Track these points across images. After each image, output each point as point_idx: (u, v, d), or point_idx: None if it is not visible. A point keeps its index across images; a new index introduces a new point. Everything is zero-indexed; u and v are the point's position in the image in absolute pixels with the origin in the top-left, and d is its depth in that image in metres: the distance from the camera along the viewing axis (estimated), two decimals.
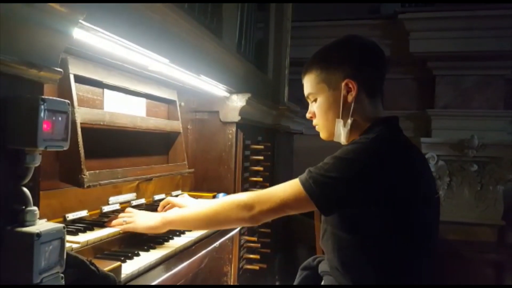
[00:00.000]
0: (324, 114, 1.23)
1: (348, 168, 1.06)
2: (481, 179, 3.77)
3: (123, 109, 1.62)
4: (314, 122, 1.28)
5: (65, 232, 0.83)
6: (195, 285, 1.79)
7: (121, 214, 1.36)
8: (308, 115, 1.30)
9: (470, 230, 3.72)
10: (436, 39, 3.69)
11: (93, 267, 0.88)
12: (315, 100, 1.25)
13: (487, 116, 3.80)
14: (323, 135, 1.28)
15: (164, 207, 1.50)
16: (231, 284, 2.15)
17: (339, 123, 1.20)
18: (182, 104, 2.12)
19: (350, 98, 1.18)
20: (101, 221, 1.34)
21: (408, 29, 3.75)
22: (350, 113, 1.18)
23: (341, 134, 1.20)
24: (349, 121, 1.18)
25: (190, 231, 1.51)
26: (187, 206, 1.52)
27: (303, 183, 1.09)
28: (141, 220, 1.30)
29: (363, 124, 1.19)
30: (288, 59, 3.27)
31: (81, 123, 1.29)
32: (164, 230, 1.31)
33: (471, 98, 3.90)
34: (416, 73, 4.12)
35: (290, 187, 1.13)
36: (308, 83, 1.26)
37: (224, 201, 1.22)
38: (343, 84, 1.18)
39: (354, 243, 1.11)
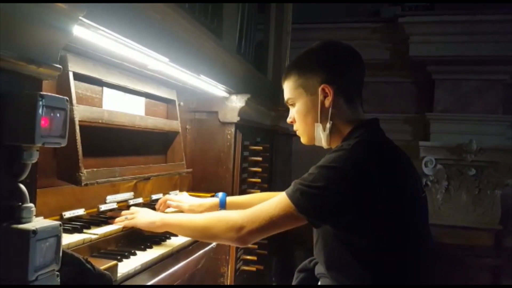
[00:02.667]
0: (303, 119, 1.24)
1: (333, 176, 1.06)
2: (479, 183, 3.77)
3: (122, 107, 1.61)
4: (295, 127, 1.30)
5: (62, 230, 0.83)
6: (194, 285, 1.78)
7: (123, 212, 1.40)
8: (288, 120, 1.31)
9: (467, 234, 3.72)
10: (436, 43, 3.69)
11: (89, 266, 0.88)
12: (294, 105, 1.26)
13: (485, 121, 3.80)
14: (303, 139, 1.29)
15: (161, 204, 1.55)
16: (228, 284, 2.14)
17: (318, 127, 1.21)
18: (181, 104, 2.11)
19: (327, 103, 1.19)
20: (99, 219, 1.34)
21: (408, 33, 3.75)
22: (329, 117, 1.19)
23: (322, 138, 1.21)
24: (328, 125, 1.19)
25: None
26: (184, 202, 1.57)
27: (291, 196, 1.09)
28: (142, 217, 1.34)
29: (343, 128, 1.20)
30: (288, 60, 3.27)
31: (79, 121, 1.29)
32: (161, 230, 1.34)
33: (470, 103, 3.90)
34: (415, 77, 4.12)
35: (279, 202, 1.12)
36: (287, 88, 1.27)
37: (218, 217, 1.22)
38: (319, 89, 1.19)
39: (346, 250, 1.11)
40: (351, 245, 1.10)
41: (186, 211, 1.56)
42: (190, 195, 1.73)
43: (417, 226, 1.14)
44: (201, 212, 1.55)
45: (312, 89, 1.20)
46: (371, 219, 1.07)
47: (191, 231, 1.28)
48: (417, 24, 3.72)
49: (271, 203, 1.13)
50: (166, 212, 1.56)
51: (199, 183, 2.16)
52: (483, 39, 3.60)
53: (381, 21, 4.00)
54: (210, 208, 1.57)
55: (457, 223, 3.72)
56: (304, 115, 1.23)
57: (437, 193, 3.81)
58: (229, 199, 1.61)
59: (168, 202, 1.61)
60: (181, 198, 1.63)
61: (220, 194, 1.62)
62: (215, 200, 1.60)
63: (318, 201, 1.06)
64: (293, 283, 1.30)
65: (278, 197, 1.13)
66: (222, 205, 1.58)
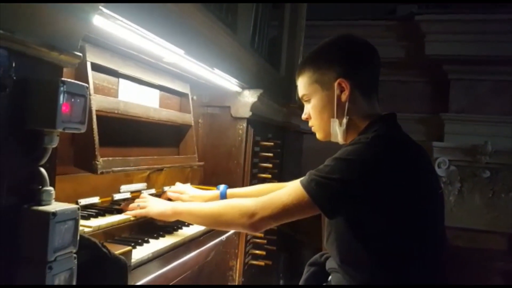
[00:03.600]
0: (319, 115, 1.23)
1: (349, 169, 1.05)
2: (493, 186, 3.72)
3: (137, 99, 1.64)
4: (310, 123, 1.28)
5: (79, 214, 0.85)
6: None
7: (137, 200, 1.42)
8: (303, 116, 1.30)
9: (479, 237, 3.67)
10: (453, 42, 3.64)
11: (105, 250, 0.90)
12: (310, 101, 1.25)
13: (501, 122, 3.74)
14: (319, 135, 1.28)
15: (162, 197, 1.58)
16: (237, 278, 2.16)
17: (335, 122, 1.20)
18: (194, 98, 2.13)
19: (343, 97, 1.17)
20: (113, 208, 1.36)
21: (424, 31, 3.71)
22: (345, 112, 1.18)
23: (338, 133, 1.20)
24: (345, 120, 1.18)
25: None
26: (185, 193, 1.60)
27: (305, 187, 1.09)
28: (153, 206, 1.36)
29: (360, 123, 1.19)
30: (301, 57, 3.27)
31: (96, 111, 1.31)
32: (173, 219, 1.36)
33: (486, 104, 3.84)
34: (430, 76, 4.08)
35: (293, 191, 1.11)
36: (302, 84, 1.26)
37: (230, 204, 1.23)
38: (335, 84, 1.18)
39: (359, 243, 1.10)
40: (364, 239, 1.09)
41: (186, 200, 1.58)
42: (194, 187, 1.75)
43: (432, 223, 1.13)
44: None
45: (327, 84, 1.19)
46: (385, 213, 1.06)
47: (202, 218, 1.29)
48: (433, 22, 3.68)
49: (284, 192, 1.13)
50: (169, 194, 1.59)
51: (210, 177, 2.17)
52: (501, 39, 3.54)
53: (396, 19, 3.97)
54: (211, 199, 1.58)
55: (470, 226, 3.67)
56: (320, 111, 1.22)
57: (449, 195, 3.77)
58: (230, 191, 1.62)
59: (168, 193, 1.64)
60: (182, 189, 1.64)
61: (222, 186, 1.63)
62: (215, 193, 1.61)
63: (333, 192, 1.06)
64: (303, 276, 1.30)
65: (292, 186, 1.13)
66: (223, 197, 1.59)
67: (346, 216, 1.10)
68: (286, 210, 1.11)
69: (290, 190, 1.12)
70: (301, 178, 1.13)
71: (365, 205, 1.06)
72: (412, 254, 1.09)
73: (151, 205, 1.37)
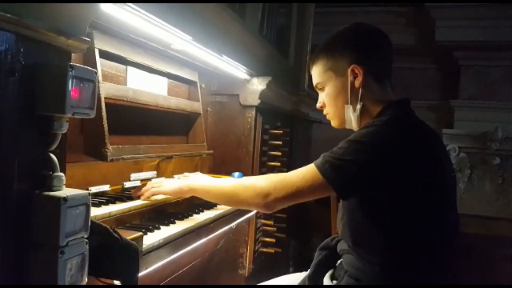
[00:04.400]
0: (333, 102, 1.24)
1: (363, 151, 1.06)
2: (503, 172, 3.68)
3: (146, 87, 1.63)
4: (325, 111, 1.30)
5: (90, 199, 0.85)
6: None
7: (149, 182, 1.43)
8: (318, 105, 1.31)
9: (489, 224, 3.65)
10: (464, 27, 3.58)
11: (116, 235, 0.90)
12: (324, 89, 1.26)
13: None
14: (334, 123, 1.29)
15: None
16: (247, 265, 2.17)
17: (349, 108, 1.21)
18: (203, 86, 2.12)
19: (357, 83, 1.19)
20: (123, 195, 1.37)
21: (435, 17, 3.64)
22: (359, 98, 1.19)
23: (352, 120, 1.21)
24: (358, 106, 1.19)
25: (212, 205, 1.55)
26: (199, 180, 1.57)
27: (320, 168, 1.10)
28: (168, 185, 1.39)
29: (374, 108, 1.20)
30: (310, 45, 3.23)
31: (105, 98, 1.31)
32: (188, 195, 1.40)
33: (496, 90, 3.79)
34: (441, 63, 4.02)
35: (306, 173, 1.13)
36: (316, 73, 1.27)
37: (245, 184, 1.25)
38: (349, 70, 1.19)
39: (372, 225, 1.11)
40: (376, 221, 1.10)
41: None
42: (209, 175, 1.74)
43: (445, 206, 1.13)
44: None
45: (341, 71, 1.21)
46: (398, 196, 1.06)
47: (217, 196, 1.33)
48: (444, 8, 3.61)
49: (298, 173, 1.15)
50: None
51: (219, 166, 2.17)
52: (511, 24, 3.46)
53: (406, 5, 3.90)
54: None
55: (479, 213, 3.64)
56: (334, 98, 1.24)
57: (459, 182, 3.74)
58: None
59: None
60: (195, 176, 1.64)
61: (236, 173, 1.63)
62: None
63: (347, 173, 1.06)
64: (315, 261, 1.31)
65: (306, 168, 1.14)
66: None
67: (360, 198, 1.11)
68: (299, 191, 1.13)
69: (304, 171, 1.13)
70: (315, 161, 1.13)
71: (379, 187, 1.06)
72: (424, 236, 1.09)
73: (166, 184, 1.39)
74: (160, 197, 1.42)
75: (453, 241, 1.14)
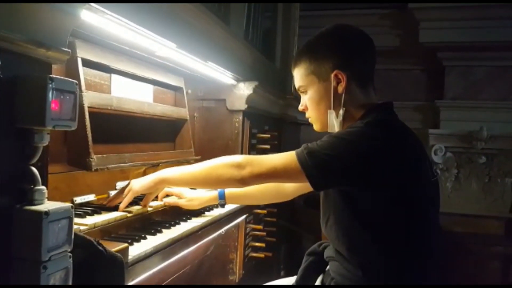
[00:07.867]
0: (316, 106, 1.23)
1: (344, 147, 1.07)
2: (489, 171, 3.73)
3: (131, 94, 1.62)
4: (307, 114, 1.29)
5: (73, 212, 0.84)
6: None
7: (118, 191, 1.39)
8: (300, 108, 1.30)
9: (477, 223, 3.70)
10: (447, 28, 3.62)
11: (100, 248, 0.89)
12: (306, 92, 1.25)
13: (497, 108, 3.74)
14: (316, 127, 1.29)
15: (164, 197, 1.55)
16: (237, 271, 2.16)
17: (331, 114, 1.21)
18: (189, 91, 2.11)
19: (340, 89, 1.18)
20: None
21: (418, 19, 3.69)
22: (342, 103, 1.19)
23: (335, 125, 1.21)
24: (341, 111, 1.19)
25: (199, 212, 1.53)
26: (183, 195, 1.56)
27: (298, 155, 1.12)
28: (138, 183, 1.34)
29: (356, 113, 1.19)
30: (296, 48, 3.25)
31: (88, 107, 1.30)
32: (162, 187, 1.38)
33: (481, 90, 3.84)
34: (426, 64, 4.07)
35: (285, 156, 1.15)
36: (298, 76, 1.26)
37: (219, 160, 1.25)
38: (332, 75, 1.18)
39: (357, 227, 1.11)
40: (360, 220, 1.11)
41: (184, 205, 1.54)
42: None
43: (427, 208, 1.14)
44: (200, 205, 1.56)
45: (324, 76, 1.20)
46: (380, 197, 1.07)
47: (194, 178, 1.29)
48: (427, 10, 3.65)
49: (278, 155, 1.18)
50: (164, 200, 1.55)
51: None
52: (495, 24, 3.52)
53: (390, 7, 3.94)
54: (209, 201, 1.57)
55: (467, 212, 3.69)
56: (316, 102, 1.23)
57: (446, 181, 3.78)
58: (228, 190, 1.60)
59: (164, 200, 1.57)
60: (178, 191, 1.57)
61: None
62: (214, 193, 1.59)
63: (323, 164, 1.08)
64: (302, 266, 1.31)
65: (286, 153, 1.16)
66: (222, 197, 1.58)
67: (343, 199, 1.12)
68: (274, 171, 1.15)
69: (284, 155, 1.16)
70: (297, 149, 1.15)
71: (354, 185, 1.08)
72: (407, 237, 1.10)
73: (135, 183, 1.34)
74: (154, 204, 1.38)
75: (438, 241, 1.15)
